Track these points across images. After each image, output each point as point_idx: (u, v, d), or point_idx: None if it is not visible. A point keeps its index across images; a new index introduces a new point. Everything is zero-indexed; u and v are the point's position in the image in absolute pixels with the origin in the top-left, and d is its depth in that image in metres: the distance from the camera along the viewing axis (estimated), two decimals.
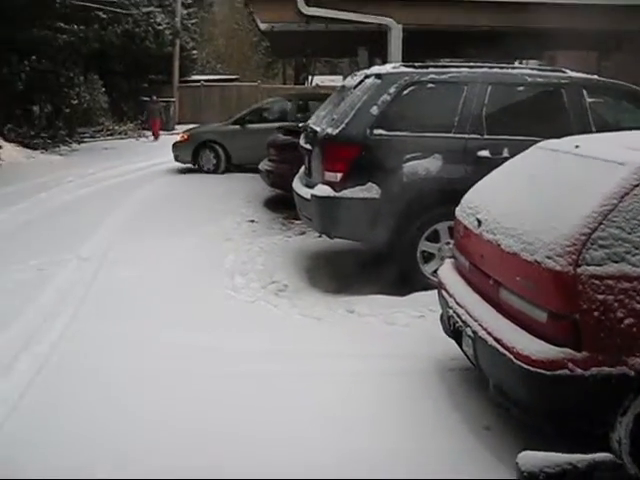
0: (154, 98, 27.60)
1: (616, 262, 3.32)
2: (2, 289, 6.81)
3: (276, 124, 14.90)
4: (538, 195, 3.99)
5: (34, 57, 20.62)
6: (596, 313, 3.29)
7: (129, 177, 15.65)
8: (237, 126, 16.78)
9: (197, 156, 16.77)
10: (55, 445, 3.91)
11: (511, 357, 3.52)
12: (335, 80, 34.27)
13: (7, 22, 19.11)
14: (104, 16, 23.60)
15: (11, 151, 18.16)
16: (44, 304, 6.43)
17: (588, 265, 3.32)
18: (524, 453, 2.29)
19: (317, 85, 36.55)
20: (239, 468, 3.71)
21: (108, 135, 25.42)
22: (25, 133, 20.36)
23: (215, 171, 16.60)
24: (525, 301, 3.64)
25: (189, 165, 16.75)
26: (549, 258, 3.41)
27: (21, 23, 19.62)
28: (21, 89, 20.68)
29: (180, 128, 28.90)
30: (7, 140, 18.90)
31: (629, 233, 3.34)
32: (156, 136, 26.00)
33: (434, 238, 6.71)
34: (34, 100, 21.95)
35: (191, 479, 3.60)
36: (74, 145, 21.87)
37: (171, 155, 17.10)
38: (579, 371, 3.31)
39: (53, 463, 3.74)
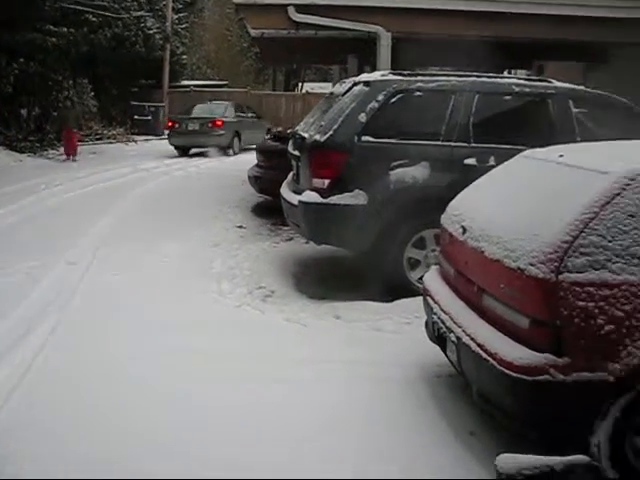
0: (68, 103, 22.10)
1: (597, 269, 3.37)
2: None
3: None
4: (522, 203, 4.04)
5: (22, 60, 20.59)
6: (577, 320, 3.34)
7: (117, 181, 15.60)
8: None
9: None
10: None
11: (494, 363, 3.56)
12: (325, 87, 34.26)
13: None
14: (94, 19, 23.64)
15: None
16: (30, 307, 6.41)
17: (570, 272, 3.37)
18: (503, 456, 2.33)
19: (307, 92, 36.62)
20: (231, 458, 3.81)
21: (97, 139, 25.34)
22: (13, 136, 20.32)
23: None
24: (508, 308, 3.68)
25: (177, 169, 17.86)
26: (532, 265, 3.46)
27: (10, 25, 19.61)
28: (9, 92, 20.63)
29: None
30: None
31: (610, 241, 3.39)
32: (69, 155, 19.69)
33: (420, 245, 6.76)
34: (22, 103, 21.90)
35: (192, 479, 3.62)
36: (62, 149, 21.81)
37: (155, 162, 19.00)
38: (560, 377, 3.35)
39: None
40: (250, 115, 25.28)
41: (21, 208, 11.63)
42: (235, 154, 22.61)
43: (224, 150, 22.48)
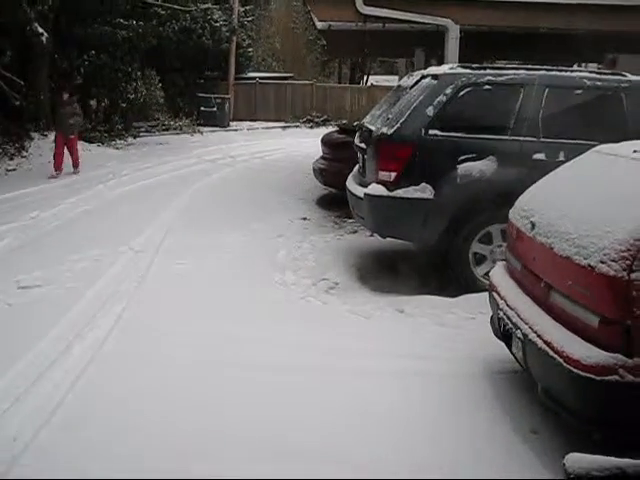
0: (65, 97, 15.20)
1: None
2: (60, 278, 6.98)
3: None
4: (593, 199, 3.97)
5: (93, 52, 20.95)
6: None
7: (183, 172, 15.78)
8: None
9: None
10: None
11: (561, 361, 3.51)
12: (390, 80, 34.16)
13: (69, 18, 19.50)
14: (162, 12, 23.86)
15: None
16: (97, 296, 6.54)
17: None
18: (572, 455, 2.29)
19: (372, 85, 36.50)
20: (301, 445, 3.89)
21: (163, 130, 25.62)
22: (82, 126, 20.63)
23: None
24: (577, 305, 3.62)
25: (242, 161, 18.17)
26: (603, 263, 3.40)
27: (83, 19, 19.98)
28: (79, 83, 21.02)
29: (235, 125, 29.16)
30: None
31: None
32: (58, 169, 14.25)
33: (486, 240, 6.70)
34: (92, 94, 22.27)
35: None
36: (130, 139, 22.14)
37: (220, 154, 19.02)
38: (630, 377, 3.29)
39: None
40: None
41: (95, 195, 12.01)
42: None
43: None
